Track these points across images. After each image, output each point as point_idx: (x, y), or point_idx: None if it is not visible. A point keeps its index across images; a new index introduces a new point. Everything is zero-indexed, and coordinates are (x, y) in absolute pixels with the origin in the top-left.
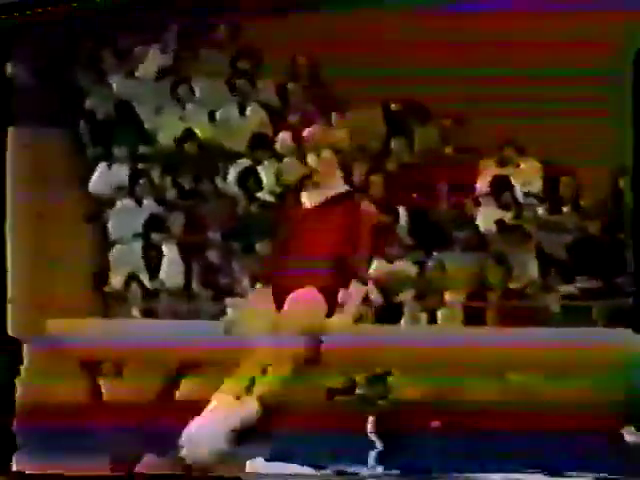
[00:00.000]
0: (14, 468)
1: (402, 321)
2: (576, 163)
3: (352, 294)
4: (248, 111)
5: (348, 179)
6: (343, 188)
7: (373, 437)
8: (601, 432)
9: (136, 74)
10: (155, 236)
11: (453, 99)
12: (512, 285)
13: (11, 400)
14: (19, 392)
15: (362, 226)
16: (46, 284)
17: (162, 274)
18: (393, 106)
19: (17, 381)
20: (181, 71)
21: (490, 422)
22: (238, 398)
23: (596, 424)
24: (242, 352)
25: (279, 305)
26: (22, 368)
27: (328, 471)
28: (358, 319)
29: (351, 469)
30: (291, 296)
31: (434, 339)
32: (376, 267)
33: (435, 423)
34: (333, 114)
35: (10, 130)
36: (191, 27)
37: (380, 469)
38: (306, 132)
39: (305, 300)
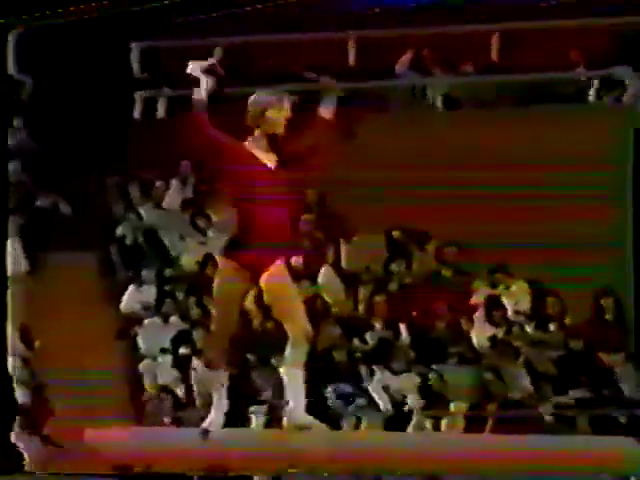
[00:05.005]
0: None
1: (409, 428)
2: (561, 285)
3: None
4: None
5: None
6: None
7: None
8: None
9: (163, 205)
10: (182, 350)
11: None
12: (511, 395)
13: None
14: None
15: None
16: (83, 395)
17: (191, 385)
18: (394, 233)
19: None
20: (202, 202)
21: None
22: None
23: None
24: None
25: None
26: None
27: None
28: None
29: None
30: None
31: (437, 446)
32: (386, 378)
33: None
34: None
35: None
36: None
37: None
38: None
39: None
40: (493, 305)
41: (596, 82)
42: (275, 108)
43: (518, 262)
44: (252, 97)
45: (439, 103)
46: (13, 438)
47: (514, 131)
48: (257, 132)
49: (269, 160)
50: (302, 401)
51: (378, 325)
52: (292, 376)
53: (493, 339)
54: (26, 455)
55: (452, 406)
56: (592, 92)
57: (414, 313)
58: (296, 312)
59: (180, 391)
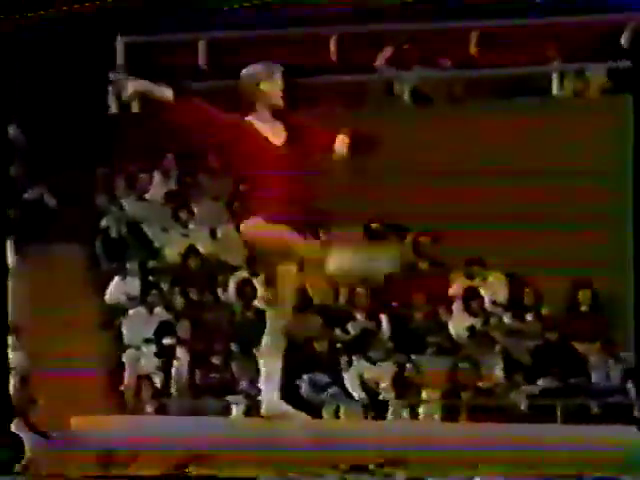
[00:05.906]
0: None
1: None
2: (538, 275)
3: None
4: None
5: None
6: None
7: None
8: None
9: (146, 197)
10: (165, 340)
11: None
12: (482, 385)
13: None
14: None
15: None
16: (68, 384)
17: (172, 374)
18: (374, 225)
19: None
20: (185, 195)
21: None
22: None
23: None
24: None
25: None
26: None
27: None
28: None
29: None
30: None
31: (414, 434)
32: (361, 367)
33: None
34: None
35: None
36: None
37: None
38: None
39: None
40: (471, 296)
41: (556, 76)
42: (267, 80)
43: (496, 252)
44: (244, 71)
45: (407, 97)
46: (13, 427)
47: (498, 123)
48: (258, 107)
49: (275, 135)
50: (276, 390)
51: (359, 316)
52: (269, 365)
53: (471, 329)
54: (26, 444)
55: (425, 394)
56: (555, 86)
57: (394, 304)
58: (286, 296)
59: (161, 380)
